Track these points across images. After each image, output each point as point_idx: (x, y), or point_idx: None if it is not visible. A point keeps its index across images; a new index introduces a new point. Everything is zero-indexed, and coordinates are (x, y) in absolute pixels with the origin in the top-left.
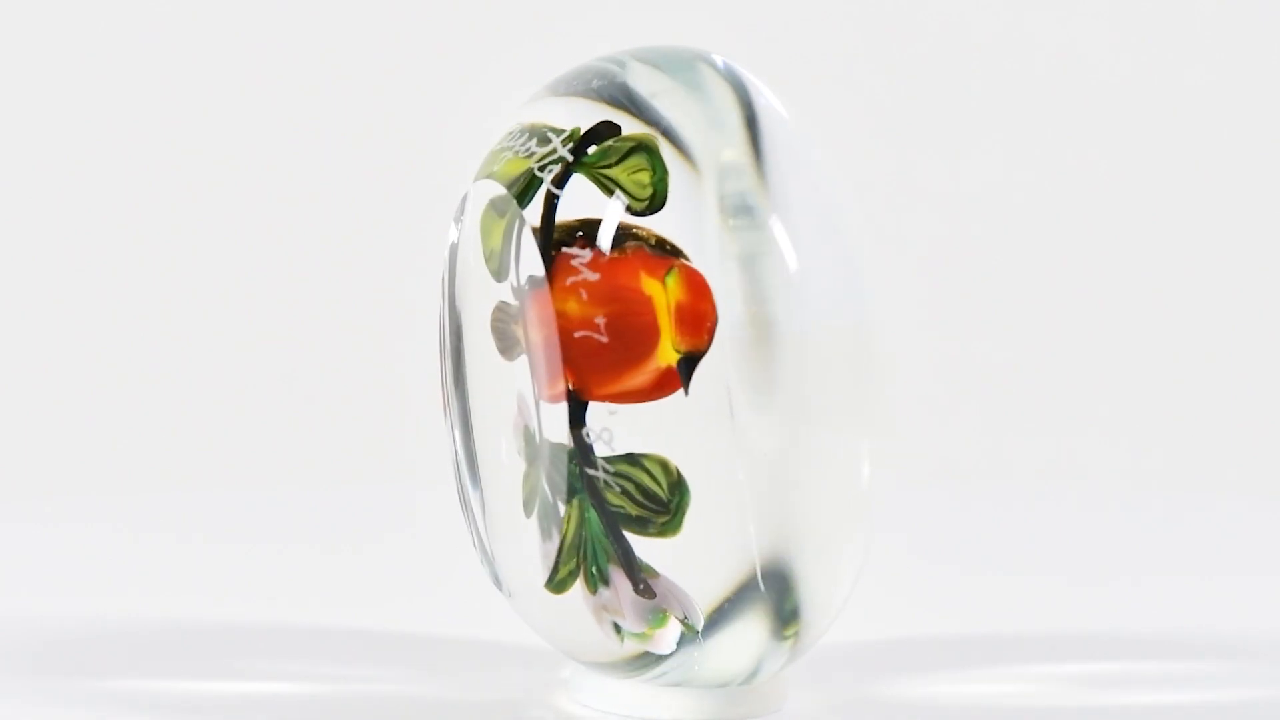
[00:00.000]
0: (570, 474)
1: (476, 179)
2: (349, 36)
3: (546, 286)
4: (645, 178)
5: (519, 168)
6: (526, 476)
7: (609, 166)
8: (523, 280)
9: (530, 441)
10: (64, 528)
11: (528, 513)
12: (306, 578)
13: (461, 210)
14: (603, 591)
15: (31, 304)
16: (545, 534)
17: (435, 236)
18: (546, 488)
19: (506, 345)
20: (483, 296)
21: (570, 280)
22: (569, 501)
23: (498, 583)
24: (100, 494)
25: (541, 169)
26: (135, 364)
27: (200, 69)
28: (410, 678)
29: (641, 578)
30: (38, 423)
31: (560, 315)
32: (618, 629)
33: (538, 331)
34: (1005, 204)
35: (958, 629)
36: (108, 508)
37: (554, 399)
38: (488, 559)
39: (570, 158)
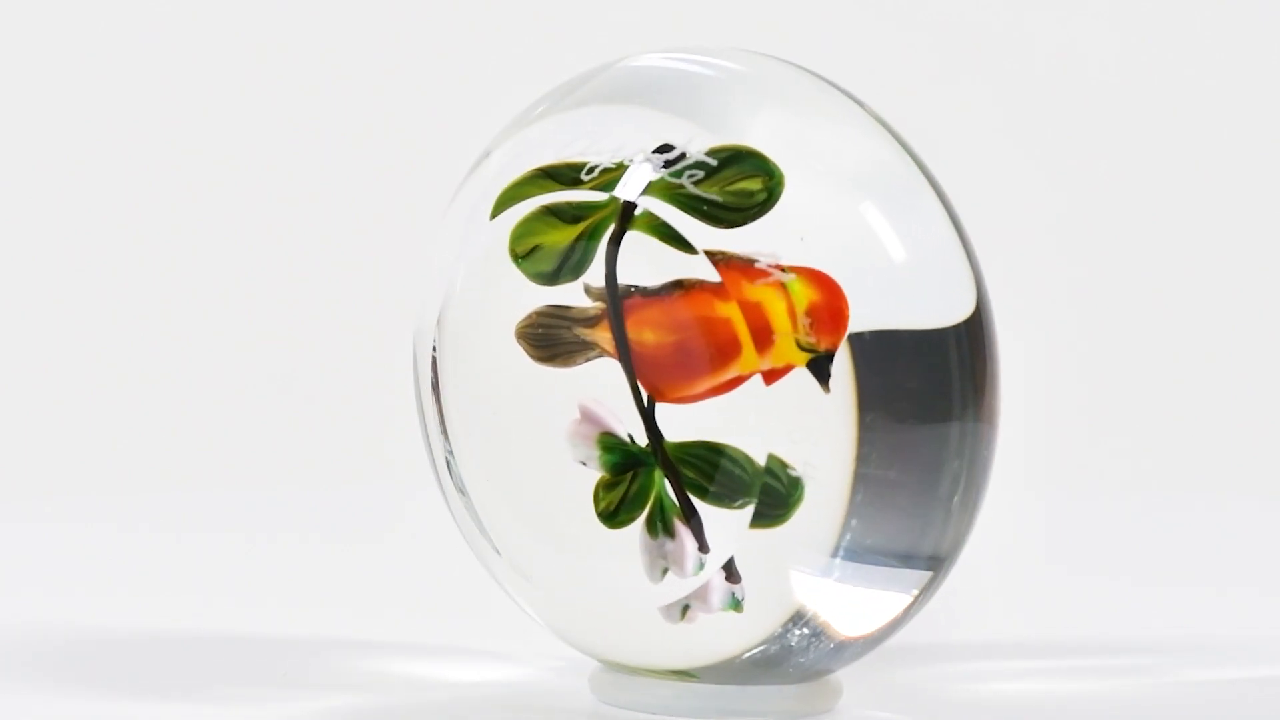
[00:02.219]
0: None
1: (520, 184)
2: (349, 36)
3: (694, 290)
4: (757, 184)
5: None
6: (609, 486)
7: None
8: (633, 283)
9: (612, 449)
10: (64, 528)
11: (616, 525)
12: (307, 578)
13: (491, 214)
14: (664, 540)
15: (32, 304)
16: (652, 564)
17: (435, 237)
18: (669, 491)
19: (558, 352)
20: (497, 301)
21: (761, 282)
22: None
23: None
24: (100, 494)
25: (677, 175)
26: (135, 364)
27: (199, 69)
28: (412, 677)
29: (705, 540)
30: (38, 423)
31: (709, 320)
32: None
33: (665, 333)
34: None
35: (1035, 631)
36: (108, 508)
37: (682, 400)
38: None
39: (715, 163)
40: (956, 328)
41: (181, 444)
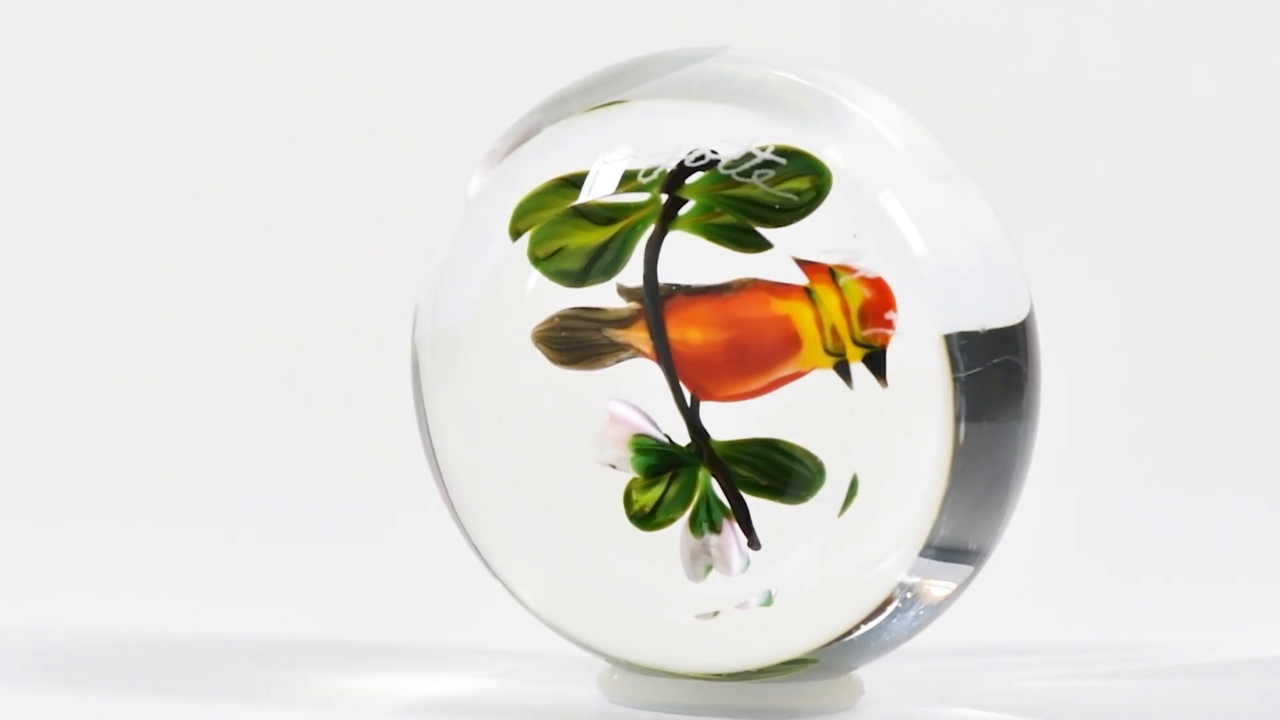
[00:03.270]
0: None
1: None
2: (350, 36)
3: (757, 288)
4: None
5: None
6: (643, 488)
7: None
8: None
9: (648, 451)
10: (64, 528)
11: (651, 527)
12: (309, 578)
13: (521, 227)
14: (709, 537)
15: (31, 305)
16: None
17: (436, 236)
18: (716, 489)
19: (585, 354)
20: (509, 303)
21: (846, 279)
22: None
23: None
24: (100, 494)
25: (745, 174)
26: (135, 364)
27: (200, 69)
28: (415, 677)
29: (755, 537)
30: (37, 423)
31: (767, 318)
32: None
33: (715, 331)
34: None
35: (1059, 630)
36: (108, 508)
37: (730, 398)
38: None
39: (783, 161)
40: (1022, 324)
41: (181, 444)
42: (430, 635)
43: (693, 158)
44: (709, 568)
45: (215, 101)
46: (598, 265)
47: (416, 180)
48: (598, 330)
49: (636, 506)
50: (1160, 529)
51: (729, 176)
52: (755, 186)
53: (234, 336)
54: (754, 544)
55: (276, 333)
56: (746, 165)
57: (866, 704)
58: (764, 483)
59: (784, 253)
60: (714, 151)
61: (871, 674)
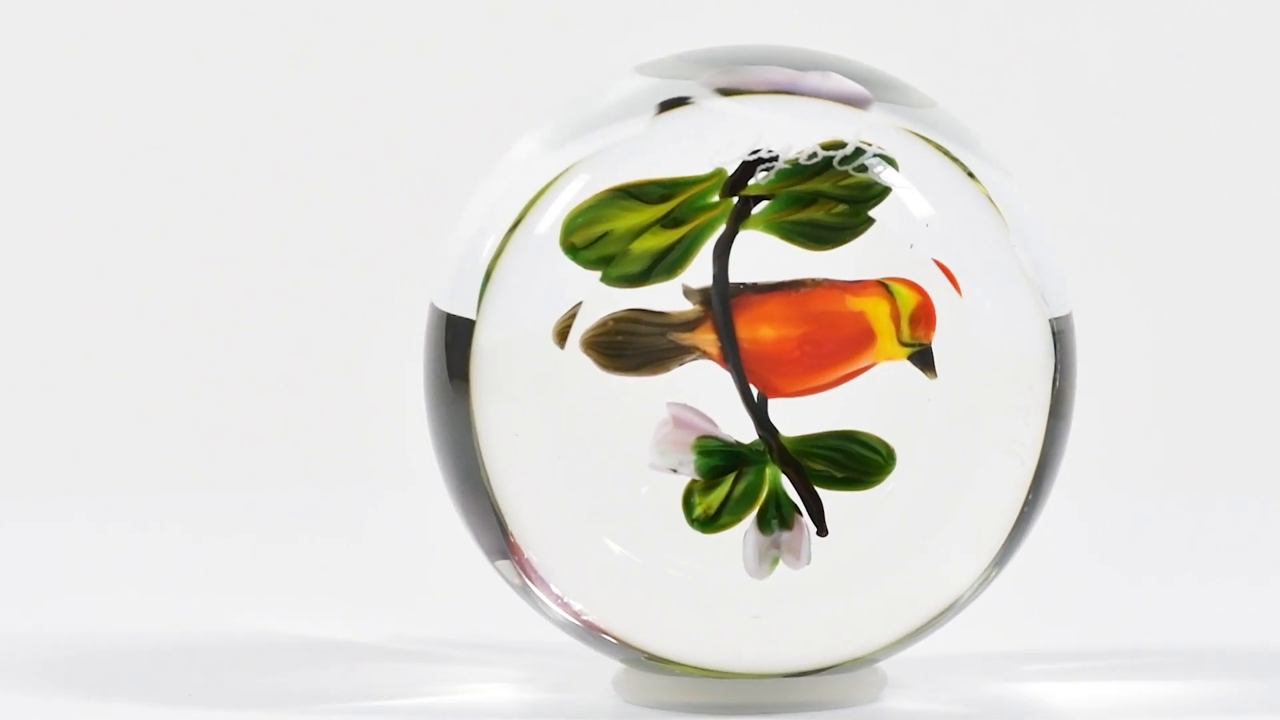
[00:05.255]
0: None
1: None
2: (357, 37)
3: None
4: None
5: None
6: (705, 490)
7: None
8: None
9: (713, 453)
10: (63, 529)
11: (715, 529)
12: (320, 578)
13: (575, 237)
14: (780, 533)
15: (32, 304)
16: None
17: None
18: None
19: (647, 359)
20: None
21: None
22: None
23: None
24: (101, 494)
25: (862, 170)
26: (135, 364)
27: (204, 70)
28: (417, 677)
29: (825, 526)
30: (38, 423)
31: (840, 312)
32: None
33: (788, 328)
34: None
35: (1080, 632)
36: (108, 508)
37: (800, 394)
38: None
39: (894, 156)
40: (1068, 318)
41: (181, 444)
42: (448, 634)
43: (757, 156)
44: (775, 562)
45: (217, 102)
46: (659, 266)
47: (420, 178)
48: (661, 334)
49: (699, 510)
50: (1187, 529)
51: (828, 168)
52: (879, 179)
53: (234, 336)
54: (823, 532)
55: (277, 332)
56: (860, 160)
57: (887, 695)
58: (840, 475)
59: (922, 253)
60: (770, 150)
61: (892, 666)
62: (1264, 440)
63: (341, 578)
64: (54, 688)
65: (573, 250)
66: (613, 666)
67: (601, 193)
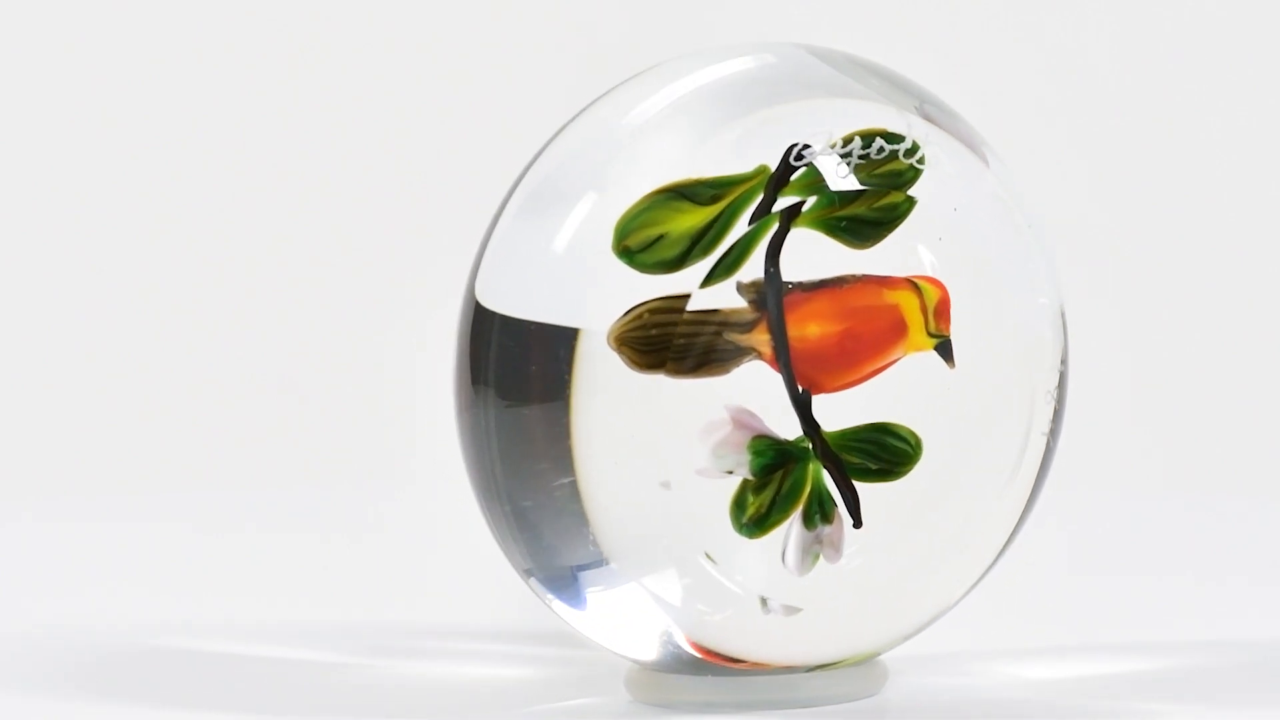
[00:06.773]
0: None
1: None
2: (368, 39)
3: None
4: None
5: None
6: (758, 489)
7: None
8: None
9: (764, 451)
10: (64, 528)
11: (755, 534)
12: (331, 573)
13: (629, 234)
14: (822, 528)
15: (32, 305)
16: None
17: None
18: (828, 483)
19: (703, 361)
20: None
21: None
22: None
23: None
24: (101, 494)
25: (921, 162)
26: (135, 364)
27: (211, 71)
28: (442, 675)
29: (860, 517)
30: (37, 423)
31: (877, 306)
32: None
33: (832, 324)
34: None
35: (1078, 627)
36: (108, 508)
37: (841, 388)
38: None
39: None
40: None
41: (182, 444)
42: (461, 631)
43: (794, 153)
44: (817, 558)
45: (224, 103)
46: (721, 265)
47: (426, 178)
48: (718, 334)
49: (751, 510)
50: (1184, 529)
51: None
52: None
53: (235, 336)
54: (858, 524)
55: (277, 333)
56: (912, 153)
57: (891, 688)
58: (875, 467)
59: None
60: (807, 146)
61: (894, 659)
62: (1264, 440)
63: (347, 573)
64: (54, 688)
65: (627, 254)
66: (624, 665)
67: (651, 194)
